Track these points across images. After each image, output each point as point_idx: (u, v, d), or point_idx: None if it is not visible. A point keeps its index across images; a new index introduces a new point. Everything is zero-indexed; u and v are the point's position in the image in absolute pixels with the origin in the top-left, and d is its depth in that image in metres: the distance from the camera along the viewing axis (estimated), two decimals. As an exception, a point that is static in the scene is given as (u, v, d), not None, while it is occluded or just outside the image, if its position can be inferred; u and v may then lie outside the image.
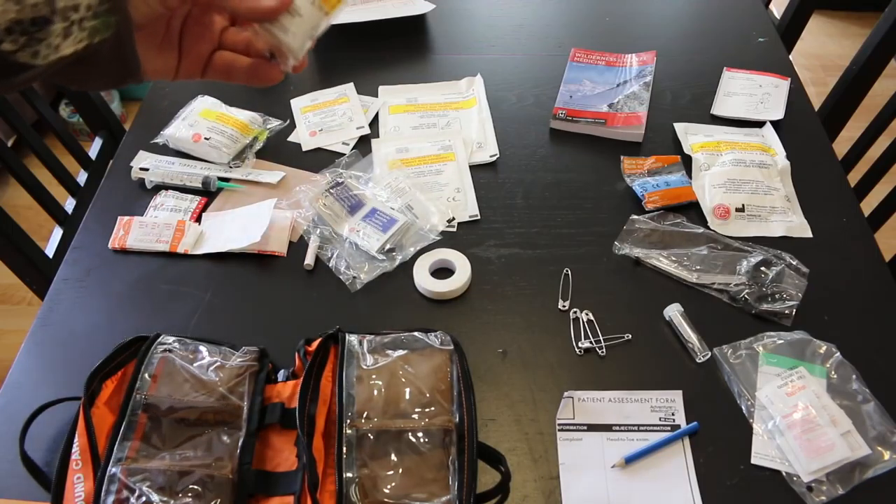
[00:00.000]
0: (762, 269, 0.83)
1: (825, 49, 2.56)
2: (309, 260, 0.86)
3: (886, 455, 0.68)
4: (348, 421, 0.64)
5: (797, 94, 1.07)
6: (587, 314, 0.81)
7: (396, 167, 0.97)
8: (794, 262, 0.84)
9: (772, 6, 1.57)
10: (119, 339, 0.69)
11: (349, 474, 0.62)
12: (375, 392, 0.66)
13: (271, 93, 1.09)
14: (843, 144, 1.24)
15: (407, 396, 0.66)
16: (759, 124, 1.03)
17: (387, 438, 0.64)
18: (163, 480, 0.60)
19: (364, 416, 0.65)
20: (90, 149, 1.29)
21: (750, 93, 1.07)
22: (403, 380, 0.67)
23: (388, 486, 0.62)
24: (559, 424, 0.72)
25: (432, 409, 0.66)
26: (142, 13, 0.41)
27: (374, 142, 1.01)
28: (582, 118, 1.02)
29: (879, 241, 0.89)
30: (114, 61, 0.39)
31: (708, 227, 0.89)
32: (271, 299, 0.83)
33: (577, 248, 0.88)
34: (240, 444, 0.64)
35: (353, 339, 0.71)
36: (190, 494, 0.60)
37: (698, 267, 0.84)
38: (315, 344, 0.70)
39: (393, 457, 0.63)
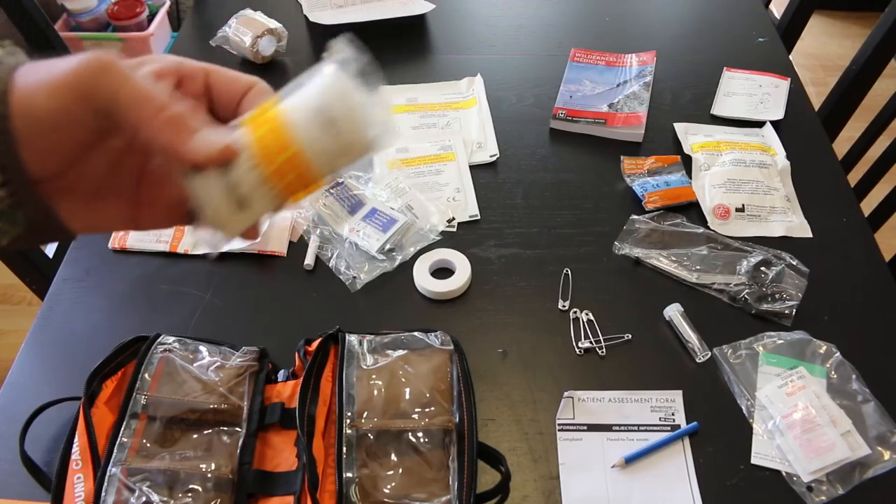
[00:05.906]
0: (762, 269, 0.83)
1: (825, 49, 2.56)
2: (309, 260, 0.86)
3: (886, 455, 0.68)
4: (348, 421, 0.64)
5: (797, 94, 1.07)
6: (587, 314, 0.81)
7: (396, 167, 0.97)
8: (794, 262, 0.84)
9: (772, 6, 1.57)
10: (119, 339, 0.69)
11: (349, 474, 0.62)
12: (375, 392, 0.66)
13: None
14: (843, 144, 1.24)
15: (407, 396, 0.66)
16: (759, 124, 1.03)
17: (387, 438, 0.64)
18: (163, 480, 0.60)
19: (364, 416, 0.65)
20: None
21: (750, 93, 1.07)
22: (403, 380, 0.67)
23: (388, 486, 0.61)
24: (559, 424, 0.72)
25: (432, 409, 0.66)
26: (51, 161, 0.32)
27: (374, 142, 1.01)
28: (582, 118, 1.02)
29: (879, 241, 0.89)
30: (32, 241, 0.33)
31: (708, 227, 0.89)
32: (271, 299, 0.83)
33: (577, 248, 0.88)
34: (240, 444, 0.64)
35: (353, 339, 0.71)
36: (190, 494, 0.60)
37: (698, 267, 0.84)
38: (315, 344, 0.70)
39: (393, 457, 0.63)
